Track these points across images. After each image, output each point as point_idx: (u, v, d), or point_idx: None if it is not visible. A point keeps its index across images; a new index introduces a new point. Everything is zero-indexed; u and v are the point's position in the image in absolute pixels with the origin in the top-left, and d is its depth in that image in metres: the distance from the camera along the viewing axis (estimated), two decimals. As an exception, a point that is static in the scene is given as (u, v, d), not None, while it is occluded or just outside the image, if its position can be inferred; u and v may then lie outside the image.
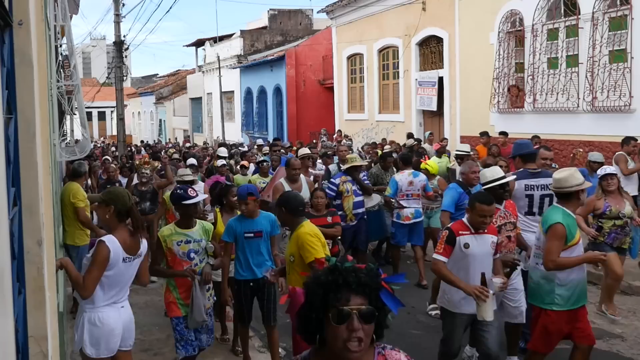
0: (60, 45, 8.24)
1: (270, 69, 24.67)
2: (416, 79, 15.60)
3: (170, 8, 16.37)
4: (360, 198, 7.22)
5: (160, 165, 9.36)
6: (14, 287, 1.94)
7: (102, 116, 50.58)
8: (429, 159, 8.90)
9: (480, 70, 12.89)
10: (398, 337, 5.24)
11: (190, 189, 4.40)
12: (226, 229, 4.87)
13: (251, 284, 4.83)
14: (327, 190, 6.77)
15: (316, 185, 7.49)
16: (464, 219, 4.24)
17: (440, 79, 14.66)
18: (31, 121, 2.38)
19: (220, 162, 9.22)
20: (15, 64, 2.29)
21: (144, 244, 3.76)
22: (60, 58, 7.42)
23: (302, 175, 6.89)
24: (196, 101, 34.87)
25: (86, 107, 9.07)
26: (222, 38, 31.18)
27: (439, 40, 14.85)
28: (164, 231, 4.41)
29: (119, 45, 19.01)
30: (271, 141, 15.30)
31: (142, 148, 23.83)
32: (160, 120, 40.10)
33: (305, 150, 8.50)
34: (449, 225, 4.31)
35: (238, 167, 9.91)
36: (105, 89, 34.52)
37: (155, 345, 5.51)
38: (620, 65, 9.87)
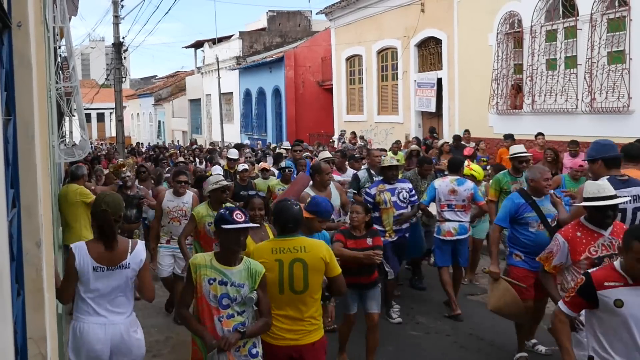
0: (59, 47, 8.24)
1: (269, 70, 24.68)
2: (415, 80, 15.61)
3: (169, 9, 16.49)
4: (403, 210, 6.17)
5: (136, 163, 8.70)
6: (12, 289, 1.94)
7: (101, 118, 50.57)
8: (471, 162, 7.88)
9: (479, 72, 12.91)
10: (397, 338, 5.24)
11: (237, 212, 3.27)
12: None
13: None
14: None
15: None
16: (616, 264, 3.02)
17: (439, 80, 14.68)
18: (30, 123, 2.38)
19: (242, 167, 8.28)
20: (14, 65, 2.29)
21: (136, 255, 3.42)
22: (59, 59, 7.43)
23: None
24: (195, 103, 34.87)
25: (85, 109, 9.04)
26: (221, 39, 31.19)
27: (437, 41, 14.87)
28: (197, 259, 3.32)
29: (118, 47, 19.02)
30: (267, 143, 15.03)
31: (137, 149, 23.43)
32: (159, 121, 40.09)
33: (326, 153, 7.78)
34: (588, 271, 3.12)
35: (255, 170, 9.15)
36: (104, 90, 34.51)
37: (154, 346, 5.50)
38: (618, 66, 9.89)
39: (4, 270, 1.65)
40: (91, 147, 23.75)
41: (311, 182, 5.90)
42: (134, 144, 29.59)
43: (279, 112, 24.53)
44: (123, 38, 19.23)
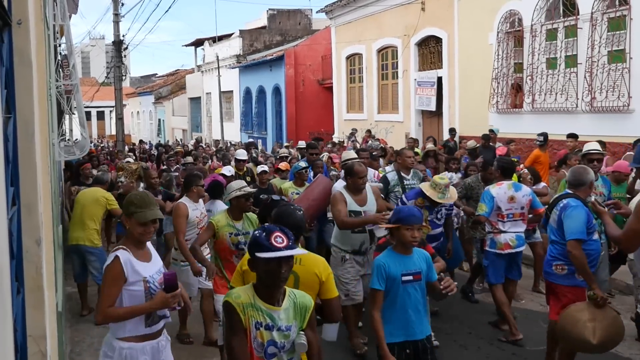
0: (59, 45, 8.23)
1: (269, 68, 24.67)
2: (415, 79, 15.61)
3: (170, 8, 16.47)
4: (439, 230, 5.59)
5: (141, 168, 7.81)
6: (12, 287, 1.94)
7: (101, 116, 50.59)
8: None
9: (479, 71, 12.90)
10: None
11: (276, 234, 2.46)
12: (375, 270, 3.48)
13: (407, 350, 3.49)
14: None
15: None
16: None
17: (439, 79, 14.67)
18: (30, 121, 2.38)
19: (261, 168, 7.62)
20: (14, 63, 2.29)
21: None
22: (59, 57, 7.43)
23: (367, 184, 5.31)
24: (195, 101, 34.87)
25: (85, 107, 9.03)
26: (221, 38, 31.18)
27: (438, 40, 14.86)
28: (240, 296, 2.55)
29: (118, 45, 19.01)
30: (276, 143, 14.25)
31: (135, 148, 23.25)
32: (159, 120, 40.09)
33: (351, 154, 7.01)
34: None
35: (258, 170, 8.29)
36: (104, 88, 34.51)
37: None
38: (619, 65, 9.89)
39: (3, 268, 1.65)
40: (92, 144, 23.65)
41: (344, 184, 5.27)
42: (136, 143, 28.60)
43: (279, 110, 24.53)
44: (123, 36, 19.23)
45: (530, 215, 5.61)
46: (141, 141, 30.23)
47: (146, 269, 3.09)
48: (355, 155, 6.81)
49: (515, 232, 5.49)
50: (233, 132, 27.88)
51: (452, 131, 13.32)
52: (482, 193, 5.65)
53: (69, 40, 7.71)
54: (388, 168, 7.44)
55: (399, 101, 16.63)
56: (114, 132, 27.51)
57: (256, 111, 26.68)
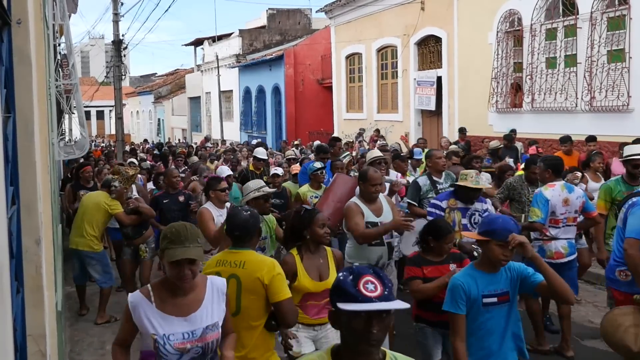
0: (59, 44, 8.24)
1: (268, 68, 24.67)
2: (415, 79, 15.61)
3: (169, 7, 16.46)
4: None
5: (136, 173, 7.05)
6: (12, 286, 1.94)
7: (100, 115, 50.59)
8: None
9: (479, 70, 12.90)
10: (397, 338, 5.24)
11: (368, 276, 1.76)
12: (452, 290, 3.05)
13: None
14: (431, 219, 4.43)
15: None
16: None
17: (439, 79, 14.68)
18: (29, 120, 2.38)
19: (276, 171, 7.14)
20: (13, 62, 2.29)
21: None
22: (58, 57, 7.42)
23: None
24: (195, 100, 34.86)
25: (84, 106, 9.03)
26: (220, 37, 31.17)
27: (437, 39, 14.86)
28: None
29: (118, 44, 18.99)
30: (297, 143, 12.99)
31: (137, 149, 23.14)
32: (159, 119, 40.08)
33: (375, 152, 6.42)
34: None
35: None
36: (103, 88, 34.53)
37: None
38: (618, 65, 9.89)
39: (3, 267, 1.65)
40: (97, 146, 23.55)
41: (358, 192, 4.84)
42: (139, 143, 27.24)
43: (279, 110, 24.53)
44: (123, 35, 19.21)
45: (580, 219, 5.11)
46: (145, 140, 29.89)
47: (168, 324, 2.50)
48: (380, 154, 6.14)
49: (566, 239, 4.94)
50: (233, 132, 27.88)
51: (463, 131, 12.53)
52: (534, 196, 5.04)
53: (69, 39, 7.71)
54: (417, 174, 6.83)
55: (398, 101, 16.63)
56: (113, 132, 27.49)
57: (256, 111, 26.68)
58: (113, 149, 19.10)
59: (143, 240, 6.43)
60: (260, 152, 8.57)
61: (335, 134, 19.45)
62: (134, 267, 6.61)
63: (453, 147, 9.44)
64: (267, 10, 29.97)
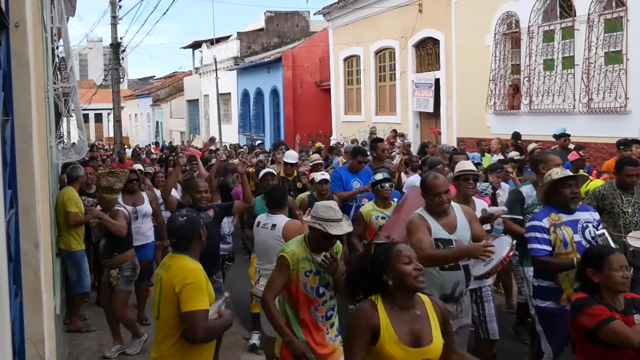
0: (57, 47, 8.22)
1: (267, 70, 24.68)
2: (413, 81, 15.62)
3: (167, 10, 16.44)
4: None
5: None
6: (10, 290, 1.94)
7: (98, 118, 50.51)
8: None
9: (477, 72, 12.92)
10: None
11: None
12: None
13: None
14: (536, 245, 3.75)
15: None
16: None
17: (437, 81, 14.69)
18: (28, 123, 2.38)
19: (320, 176, 6.21)
20: (11, 66, 2.29)
21: None
22: (56, 60, 7.40)
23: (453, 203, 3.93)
24: (193, 103, 34.85)
25: (83, 109, 8.98)
26: (219, 40, 31.18)
27: (435, 42, 14.88)
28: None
29: (116, 47, 18.99)
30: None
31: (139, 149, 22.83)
32: (157, 122, 40.07)
33: (465, 164, 4.95)
34: None
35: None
36: (101, 91, 34.50)
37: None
38: (615, 66, 9.91)
39: (1, 270, 1.64)
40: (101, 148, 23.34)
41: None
42: (144, 147, 25.62)
43: (277, 112, 24.54)
44: (121, 38, 19.22)
45: None
46: (156, 144, 28.62)
47: None
48: (471, 167, 4.66)
49: None
50: (231, 134, 27.88)
51: (517, 136, 10.55)
52: None
53: (67, 42, 7.70)
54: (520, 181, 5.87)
55: (396, 103, 16.64)
56: (111, 135, 27.47)
57: (254, 113, 26.69)
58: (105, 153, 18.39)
59: (113, 264, 5.32)
60: (291, 156, 7.56)
61: (334, 137, 19.47)
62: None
63: (513, 153, 8.44)
64: (265, 13, 29.98)
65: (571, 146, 8.74)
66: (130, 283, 5.39)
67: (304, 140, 18.34)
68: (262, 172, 6.10)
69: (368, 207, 5.42)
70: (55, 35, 7.22)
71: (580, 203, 4.06)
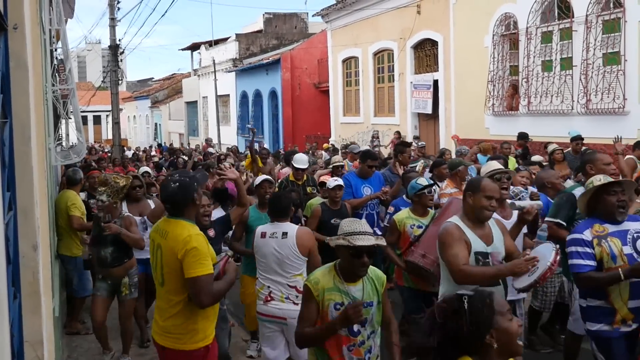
0: (56, 49, 8.21)
1: (265, 72, 24.70)
2: (411, 82, 15.64)
3: (166, 12, 16.43)
4: None
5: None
6: (9, 292, 1.93)
7: (97, 120, 50.46)
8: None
9: (475, 73, 12.94)
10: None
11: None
12: None
13: None
14: (578, 260, 3.38)
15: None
16: None
17: (435, 82, 14.71)
18: (26, 125, 2.37)
19: (334, 182, 5.67)
20: (10, 67, 2.28)
21: None
22: (55, 62, 7.39)
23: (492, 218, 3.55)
24: (192, 105, 34.86)
25: (81, 111, 8.97)
26: (217, 42, 31.19)
27: (433, 43, 14.90)
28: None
29: (114, 49, 18.99)
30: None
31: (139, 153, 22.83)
32: (156, 124, 40.06)
33: (493, 165, 4.64)
34: None
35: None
36: (100, 92, 34.45)
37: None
38: (613, 67, 9.93)
39: (0, 273, 1.64)
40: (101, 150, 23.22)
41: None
42: (144, 149, 24.88)
43: (276, 114, 24.54)
44: (119, 40, 19.22)
45: None
46: (159, 145, 28.30)
47: None
48: (500, 166, 4.48)
49: None
50: (230, 136, 27.87)
51: (524, 137, 10.40)
52: None
53: (65, 44, 7.69)
54: (569, 181, 5.55)
55: (395, 104, 16.65)
56: (110, 137, 27.47)
57: (253, 115, 26.69)
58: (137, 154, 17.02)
59: (124, 272, 4.97)
60: (301, 161, 7.12)
61: (333, 138, 19.47)
62: (107, 308, 5.08)
63: (537, 157, 8.09)
64: (263, 15, 30.01)
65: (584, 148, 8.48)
66: (137, 290, 5.12)
67: (302, 144, 18.32)
68: (259, 179, 5.43)
69: (403, 214, 4.95)
70: (53, 37, 7.21)
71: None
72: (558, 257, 3.27)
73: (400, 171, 6.45)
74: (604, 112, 10.08)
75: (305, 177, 7.05)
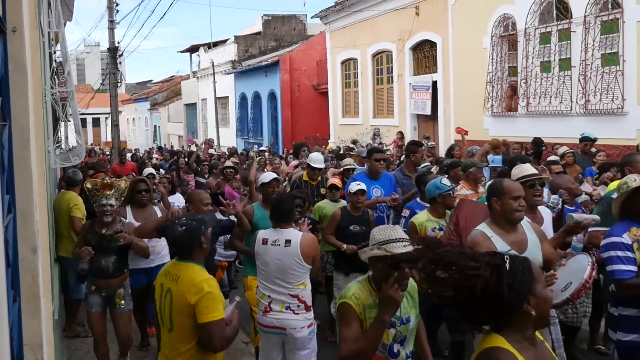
0: (54, 52, 8.22)
1: (264, 74, 24.71)
2: (410, 83, 15.65)
3: (165, 14, 16.41)
4: None
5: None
6: (8, 295, 1.93)
7: (96, 122, 50.46)
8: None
9: (474, 74, 12.95)
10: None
11: None
12: None
13: None
14: (618, 265, 3.15)
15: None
16: None
17: (434, 83, 14.72)
18: (25, 128, 2.37)
19: (356, 186, 5.36)
20: (9, 70, 2.28)
21: None
22: (54, 64, 7.40)
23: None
24: (191, 107, 34.87)
25: (80, 114, 8.97)
26: (216, 44, 31.21)
27: (432, 44, 14.92)
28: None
29: (113, 52, 18.99)
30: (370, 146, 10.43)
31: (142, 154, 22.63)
32: (155, 126, 40.07)
33: (526, 169, 4.08)
34: None
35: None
36: (99, 95, 34.45)
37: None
38: (612, 68, 9.94)
39: None
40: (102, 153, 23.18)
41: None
42: (145, 151, 24.44)
43: (275, 115, 24.55)
44: (118, 43, 19.21)
45: None
46: (160, 148, 28.22)
47: None
48: (533, 171, 4.02)
49: None
50: (229, 138, 27.88)
51: (539, 142, 9.92)
52: None
53: (64, 47, 7.69)
54: (586, 185, 5.26)
55: (394, 105, 16.66)
56: (109, 139, 27.46)
57: (252, 117, 26.70)
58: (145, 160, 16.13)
59: (122, 283, 4.69)
60: (317, 160, 6.73)
61: (332, 140, 19.48)
62: (105, 320, 4.75)
63: (552, 157, 7.72)
64: (262, 17, 30.03)
65: (593, 149, 8.44)
66: (131, 301, 4.83)
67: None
68: (267, 176, 5.13)
69: (422, 217, 4.75)
70: (52, 39, 7.22)
71: None
72: (594, 273, 3.09)
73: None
74: (603, 112, 10.09)
75: (320, 178, 6.69)
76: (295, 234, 3.96)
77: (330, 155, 10.78)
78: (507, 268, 1.76)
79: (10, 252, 2.09)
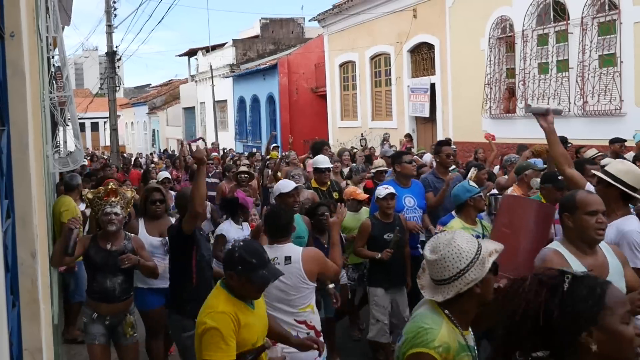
0: (53, 57, 8.22)
1: (262, 77, 24.74)
2: (408, 86, 15.67)
3: (162, 18, 16.42)
4: None
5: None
6: (7, 300, 1.93)
7: (95, 127, 50.44)
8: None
9: (472, 76, 12.97)
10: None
11: None
12: None
13: None
14: None
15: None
16: None
17: (432, 86, 14.74)
18: (24, 132, 2.37)
19: (385, 190, 4.90)
20: (7, 75, 2.29)
21: None
22: (52, 69, 7.40)
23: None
24: (189, 111, 34.88)
25: (79, 118, 8.96)
26: (214, 47, 31.25)
27: (430, 46, 14.94)
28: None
29: (112, 56, 19.01)
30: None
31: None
32: (154, 130, 40.07)
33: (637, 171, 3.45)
34: None
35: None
36: (98, 99, 34.43)
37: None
38: (610, 69, 9.97)
39: (-1, 281, 1.64)
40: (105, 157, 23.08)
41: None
42: (150, 154, 24.20)
43: (273, 119, 24.57)
44: (116, 47, 19.23)
45: None
46: (164, 151, 27.96)
47: None
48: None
49: None
50: (228, 141, 27.90)
51: (564, 140, 9.36)
52: None
53: (62, 51, 7.70)
54: None
55: (392, 108, 16.69)
56: (108, 143, 27.44)
57: (250, 120, 26.72)
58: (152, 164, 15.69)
59: (128, 307, 4.14)
60: (322, 161, 6.21)
61: (330, 142, 19.47)
62: (110, 356, 4.13)
63: (591, 151, 7.43)
64: (260, 20, 30.08)
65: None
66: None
67: (300, 149, 18.32)
68: (287, 185, 4.64)
69: (456, 224, 4.31)
70: (50, 44, 7.22)
71: None
72: None
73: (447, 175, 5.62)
74: (601, 114, 10.11)
75: (329, 182, 6.20)
76: (295, 250, 3.53)
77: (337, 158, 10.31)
78: (565, 288, 1.45)
79: (10, 257, 2.09)
